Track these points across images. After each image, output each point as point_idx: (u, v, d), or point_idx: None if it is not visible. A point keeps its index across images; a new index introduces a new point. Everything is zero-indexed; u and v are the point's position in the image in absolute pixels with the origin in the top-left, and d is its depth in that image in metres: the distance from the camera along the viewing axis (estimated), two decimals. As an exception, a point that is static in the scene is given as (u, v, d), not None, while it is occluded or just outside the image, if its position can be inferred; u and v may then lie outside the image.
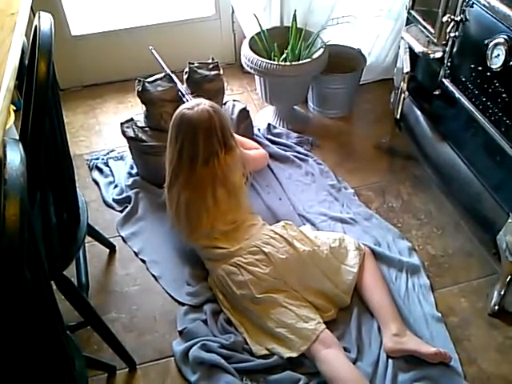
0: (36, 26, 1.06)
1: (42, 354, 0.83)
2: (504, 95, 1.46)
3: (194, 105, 1.56)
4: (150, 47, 1.95)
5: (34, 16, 1.09)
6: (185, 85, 1.96)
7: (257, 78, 2.26)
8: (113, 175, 2.11)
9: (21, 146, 0.73)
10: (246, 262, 1.53)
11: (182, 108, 1.57)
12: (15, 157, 0.69)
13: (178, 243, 1.80)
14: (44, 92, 0.98)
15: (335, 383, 1.36)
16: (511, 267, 1.53)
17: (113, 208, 1.99)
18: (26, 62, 1.11)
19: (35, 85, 0.97)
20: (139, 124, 1.97)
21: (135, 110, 2.40)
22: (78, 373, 1.04)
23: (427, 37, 1.80)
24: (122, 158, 2.19)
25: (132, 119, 2.01)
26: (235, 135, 1.66)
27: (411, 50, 1.91)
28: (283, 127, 2.34)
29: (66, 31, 2.44)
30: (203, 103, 1.56)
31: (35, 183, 1.04)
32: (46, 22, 1.06)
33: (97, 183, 2.10)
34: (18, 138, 1.03)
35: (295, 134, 2.29)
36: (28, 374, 0.83)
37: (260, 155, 1.88)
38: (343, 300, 1.58)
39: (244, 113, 2.07)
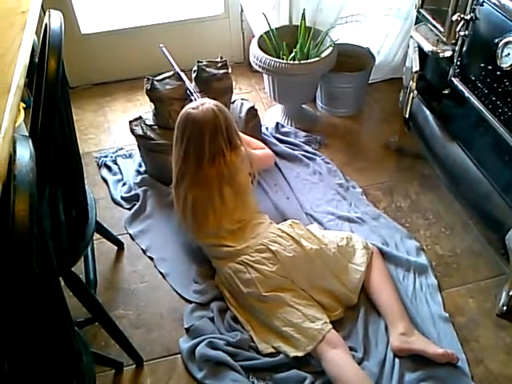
0: (46, 24, 1.06)
1: (51, 349, 0.84)
2: (514, 94, 1.45)
3: (199, 104, 1.56)
4: (161, 45, 1.96)
5: (45, 14, 1.10)
6: (193, 83, 1.96)
7: (265, 76, 2.26)
8: (121, 173, 2.13)
9: (30, 142, 0.74)
10: (253, 260, 1.53)
11: (186, 108, 1.58)
12: (25, 153, 0.70)
13: (186, 241, 1.81)
14: (54, 90, 0.98)
15: None
16: (520, 268, 1.52)
17: (121, 206, 2.00)
18: (36, 60, 1.12)
19: (45, 82, 0.97)
20: (148, 122, 1.98)
21: (144, 108, 2.41)
22: (86, 368, 1.04)
23: (436, 36, 1.79)
24: (130, 156, 2.20)
25: (140, 117, 2.02)
26: (241, 134, 1.67)
27: (420, 49, 1.89)
28: (291, 126, 2.34)
29: (76, 29, 2.45)
30: (208, 102, 1.57)
31: (44, 179, 1.05)
32: (56, 19, 1.07)
33: (105, 181, 2.11)
34: (27, 135, 1.04)
35: (303, 133, 2.29)
36: (37, 369, 0.83)
37: (266, 155, 1.88)
38: (350, 299, 1.58)
39: (252, 112, 2.08)
